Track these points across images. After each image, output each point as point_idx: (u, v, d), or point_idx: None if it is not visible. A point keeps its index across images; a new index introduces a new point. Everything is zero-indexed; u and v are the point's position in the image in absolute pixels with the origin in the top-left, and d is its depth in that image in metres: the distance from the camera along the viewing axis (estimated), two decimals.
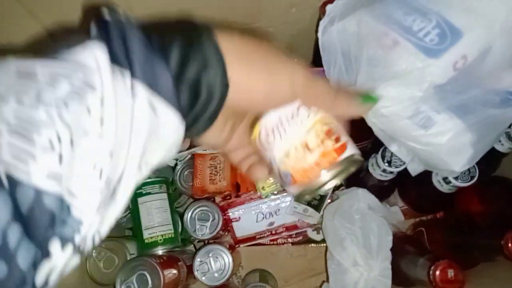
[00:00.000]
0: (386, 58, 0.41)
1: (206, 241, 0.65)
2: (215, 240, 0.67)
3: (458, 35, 0.39)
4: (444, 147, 0.44)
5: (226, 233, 0.69)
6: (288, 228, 0.66)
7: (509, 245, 0.45)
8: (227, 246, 0.65)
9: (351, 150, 0.28)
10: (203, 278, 0.58)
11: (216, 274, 0.59)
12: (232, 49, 0.25)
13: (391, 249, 0.54)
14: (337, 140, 0.27)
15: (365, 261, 0.52)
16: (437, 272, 0.44)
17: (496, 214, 0.56)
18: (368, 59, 0.42)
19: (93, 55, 0.19)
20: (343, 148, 0.27)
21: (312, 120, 0.28)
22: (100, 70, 0.19)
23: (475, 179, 0.49)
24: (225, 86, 0.24)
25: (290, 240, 0.68)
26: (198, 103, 0.23)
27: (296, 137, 0.27)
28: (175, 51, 0.22)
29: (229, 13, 0.51)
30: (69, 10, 0.45)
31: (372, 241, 0.53)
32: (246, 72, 0.25)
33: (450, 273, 0.43)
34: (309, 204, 0.63)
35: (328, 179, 0.27)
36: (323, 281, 0.58)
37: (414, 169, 0.51)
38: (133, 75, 0.20)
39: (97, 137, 0.18)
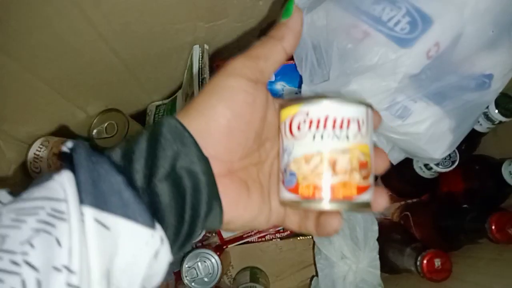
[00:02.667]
0: (358, 51, 0.40)
1: (194, 245, 0.64)
2: (203, 242, 0.66)
3: (429, 22, 0.38)
4: (423, 135, 0.43)
5: (214, 234, 0.68)
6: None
7: (492, 228, 0.45)
8: (215, 247, 0.64)
9: (369, 195, 0.25)
10: (193, 284, 0.58)
11: (205, 279, 0.58)
12: None
13: (378, 238, 0.53)
14: (365, 177, 0.24)
15: (352, 253, 0.52)
16: (424, 262, 0.43)
17: (479, 192, 0.57)
18: (339, 53, 0.41)
19: (61, 186, 0.19)
20: (365, 189, 0.24)
21: (355, 142, 0.24)
22: (68, 199, 0.19)
23: (456, 163, 0.48)
24: (206, 162, 0.23)
25: (278, 235, 0.68)
26: (186, 194, 0.22)
27: (329, 150, 0.23)
28: (140, 159, 0.22)
29: (193, 10, 0.49)
30: None
31: (358, 233, 0.53)
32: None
33: (437, 262, 0.43)
34: None
35: (329, 208, 0.24)
36: (313, 276, 0.58)
37: (395, 158, 0.51)
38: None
39: (67, 273, 0.17)
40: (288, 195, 0.25)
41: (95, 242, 0.19)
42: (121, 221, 0.20)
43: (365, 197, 0.24)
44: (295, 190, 0.24)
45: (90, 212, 0.19)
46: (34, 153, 0.51)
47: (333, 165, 0.23)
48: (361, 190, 0.24)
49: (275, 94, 0.54)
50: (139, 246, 0.21)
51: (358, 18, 0.39)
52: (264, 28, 0.57)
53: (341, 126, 0.24)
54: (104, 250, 0.19)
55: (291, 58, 0.49)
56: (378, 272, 0.51)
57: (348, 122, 0.24)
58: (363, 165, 0.24)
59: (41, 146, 0.51)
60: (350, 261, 0.52)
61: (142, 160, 0.22)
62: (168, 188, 0.22)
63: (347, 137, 0.24)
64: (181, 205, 0.22)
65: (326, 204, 0.23)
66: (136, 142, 0.22)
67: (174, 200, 0.22)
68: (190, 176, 0.22)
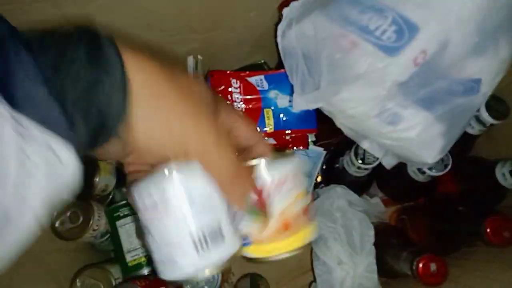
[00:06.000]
0: (346, 60, 0.40)
1: None
2: None
3: (415, 30, 0.38)
4: (415, 141, 0.44)
5: None
6: None
7: (487, 231, 0.45)
8: None
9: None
10: None
11: (206, 287, 0.59)
12: (140, 78, 0.21)
13: (375, 242, 0.54)
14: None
15: (349, 259, 0.52)
16: (420, 266, 0.44)
17: (473, 195, 0.57)
18: (329, 62, 0.41)
19: None
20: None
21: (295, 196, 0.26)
22: None
23: (449, 167, 0.49)
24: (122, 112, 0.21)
25: None
26: (89, 128, 0.20)
27: (288, 213, 0.26)
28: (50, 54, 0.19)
29: (186, 21, 0.50)
30: None
31: (355, 238, 0.53)
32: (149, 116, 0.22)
33: (433, 266, 0.43)
34: None
35: (284, 257, 0.26)
36: (311, 282, 0.59)
37: (389, 163, 0.51)
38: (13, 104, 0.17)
39: None
40: (245, 254, 0.28)
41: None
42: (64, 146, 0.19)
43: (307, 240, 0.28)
44: (252, 251, 0.27)
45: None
46: None
47: (286, 226, 0.27)
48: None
49: (269, 103, 0.55)
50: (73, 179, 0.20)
51: (345, 28, 0.40)
52: (258, 39, 0.57)
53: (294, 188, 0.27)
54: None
55: (284, 67, 0.50)
56: (376, 276, 0.52)
57: (296, 183, 0.27)
58: (305, 211, 0.27)
59: None
60: (348, 266, 0.52)
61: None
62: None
63: (295, 197, 0.27)
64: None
65: (283, 255, 0.27)
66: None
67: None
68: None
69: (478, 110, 0.50)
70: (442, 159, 0.49)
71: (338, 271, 0.53)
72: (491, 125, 0.50)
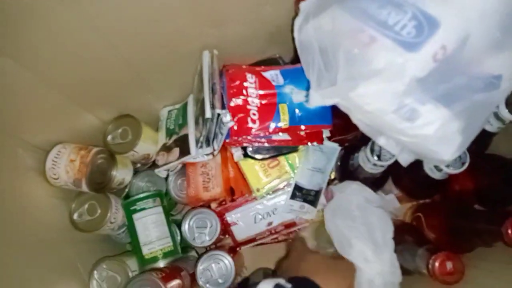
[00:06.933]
0: (364, 56, 0.40)
1: (208, 247, 0.65)
2: (216, 244, 0.67)
3: (435, 25, 0.38)
4: (432, 137, 0.43)
5: (227, 236, 0.69)
6: (287, 226, 0.65)
7: (509, 231, 0.44)
8: (228, 249, 0.65)
9: None
10: (207, 285, 0.59)
11: (219, 280, 0.59)
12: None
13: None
14: None
15: (376, 256, 0.51)
16: (436, 265, 0.43)
17: (491, 193, 0.56)
18: (346, 57, 0.41)
19: None
20: None
21: None
22: None
23: (466, 164, 0.48)
24: None
25: (290, 236, 0.68)
26: None
27: None
28: None
29: (200, 16, 0.50)
30: None
31: (377, 235, 0.52)
32: None
33: (449, 265, 0.43)
34: (304, 200, 0.63)
35: None
36: None
37: (405, 160, 0.51)
38: None
39: None
40: None
41: None
42: None
43: None
44: None
45: None
46: (52, 160, 0.53)
47: None
48: None
49: (284, 98, 0.55)
50: None
51: (364, 23, 0.40)
52: (274, 32, 0.57)
53: None
54: None
55: (299, 61, 0.50)
56: (399, 271, 0.50)
57: None
58: None
59: (58, 153, 0.53)
60: (375, 264, 0.50)
61: None
62: None
63: None
64: None
65: None
66: None
67: None
68: None
69: (497, 107, 0.49)
70: (459, 157, 0.48)
71: (366, 270, 0.51)
72: (510, 122, 0.49)
